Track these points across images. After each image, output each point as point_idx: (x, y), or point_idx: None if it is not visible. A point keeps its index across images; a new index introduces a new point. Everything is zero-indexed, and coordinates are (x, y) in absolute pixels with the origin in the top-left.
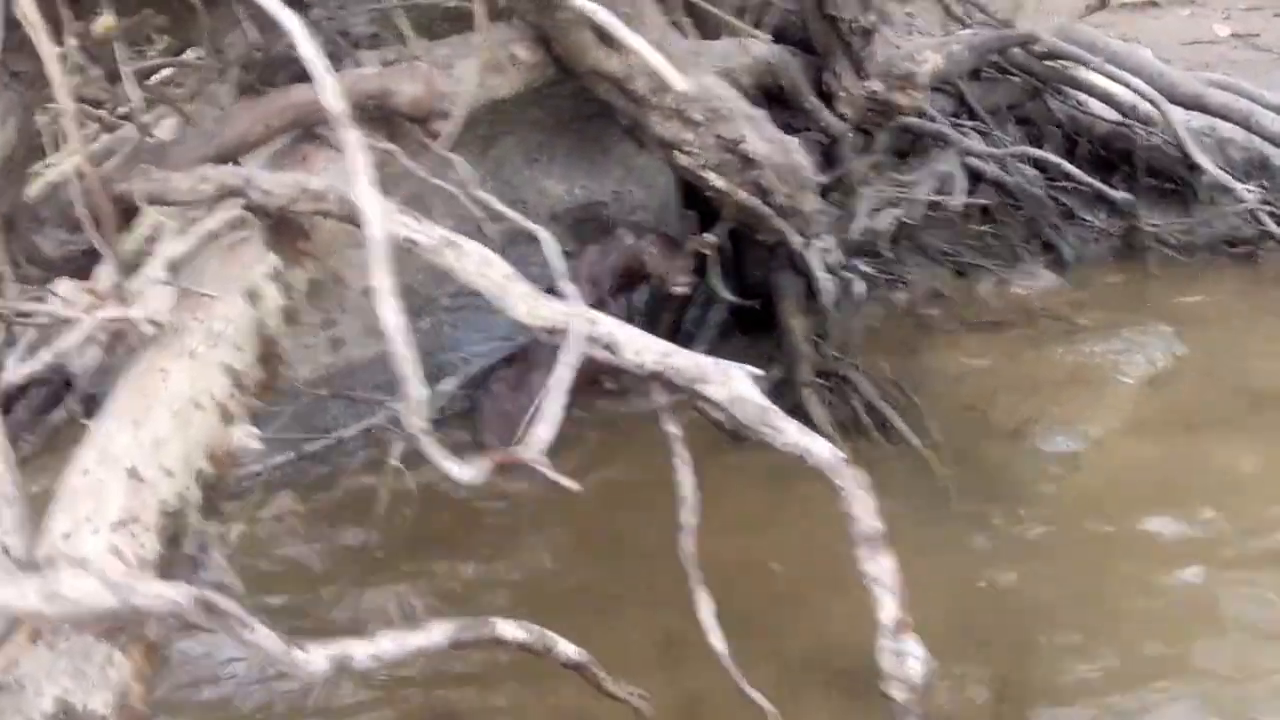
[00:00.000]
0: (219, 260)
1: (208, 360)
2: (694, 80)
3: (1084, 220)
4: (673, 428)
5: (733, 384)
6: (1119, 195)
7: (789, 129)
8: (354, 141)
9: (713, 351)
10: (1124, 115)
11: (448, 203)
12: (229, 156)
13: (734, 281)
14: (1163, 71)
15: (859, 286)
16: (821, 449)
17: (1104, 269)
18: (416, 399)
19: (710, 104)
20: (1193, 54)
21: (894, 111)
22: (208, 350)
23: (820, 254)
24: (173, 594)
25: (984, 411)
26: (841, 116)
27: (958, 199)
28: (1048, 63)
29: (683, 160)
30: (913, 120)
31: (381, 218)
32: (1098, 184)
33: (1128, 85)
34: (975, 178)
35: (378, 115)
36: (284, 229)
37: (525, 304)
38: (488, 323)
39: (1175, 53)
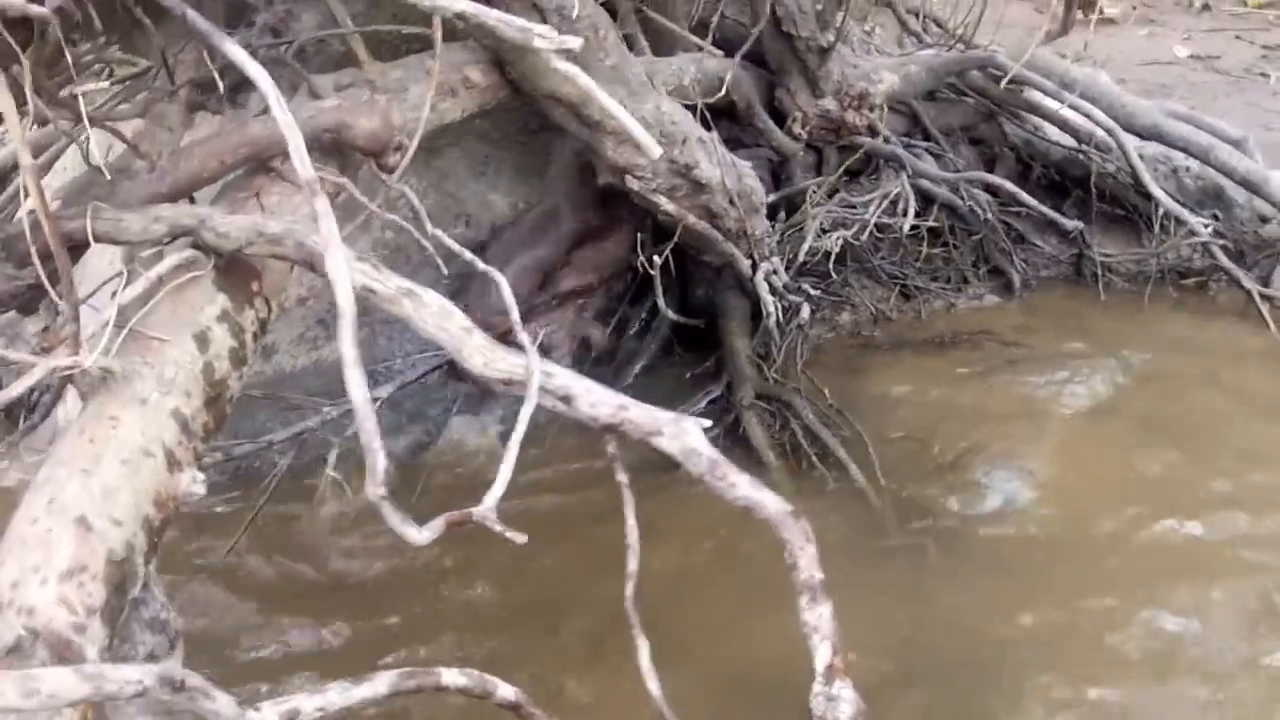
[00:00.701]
0: (170, 301)
1: (158, 407)
2: (651, 103)
3: (1035, 246)
4: (623, 477)
5: (685, 437)
6: (1069, 222)
7: (737, 145)
8: (323, 210)
9: (652, 367)
10: (1080, 141)
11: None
12: (183, 194)
13: (678, 298)
14: (1121, 100)
15: (805, 310)
16: (770, 503)
17: (1053, 295)
18: (379, 469)
19: (664, 129)
20: (1150, 74)
21: (847, 130)
22: (159, 397)
23: (766, 276)
24: (139, 676)
25: (924, 440)
26: (793, 135)
27: (906, 221)
28: (1005, 86)
29: (634, 185)
30: (865, 140)
31: (349, 286)
32: (1048, 210)
33: (1084, 113)
34: (927, 200)
35: (332, 148)
36: (235, 268)
37: (482, 356)
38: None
39: (1132, 73)
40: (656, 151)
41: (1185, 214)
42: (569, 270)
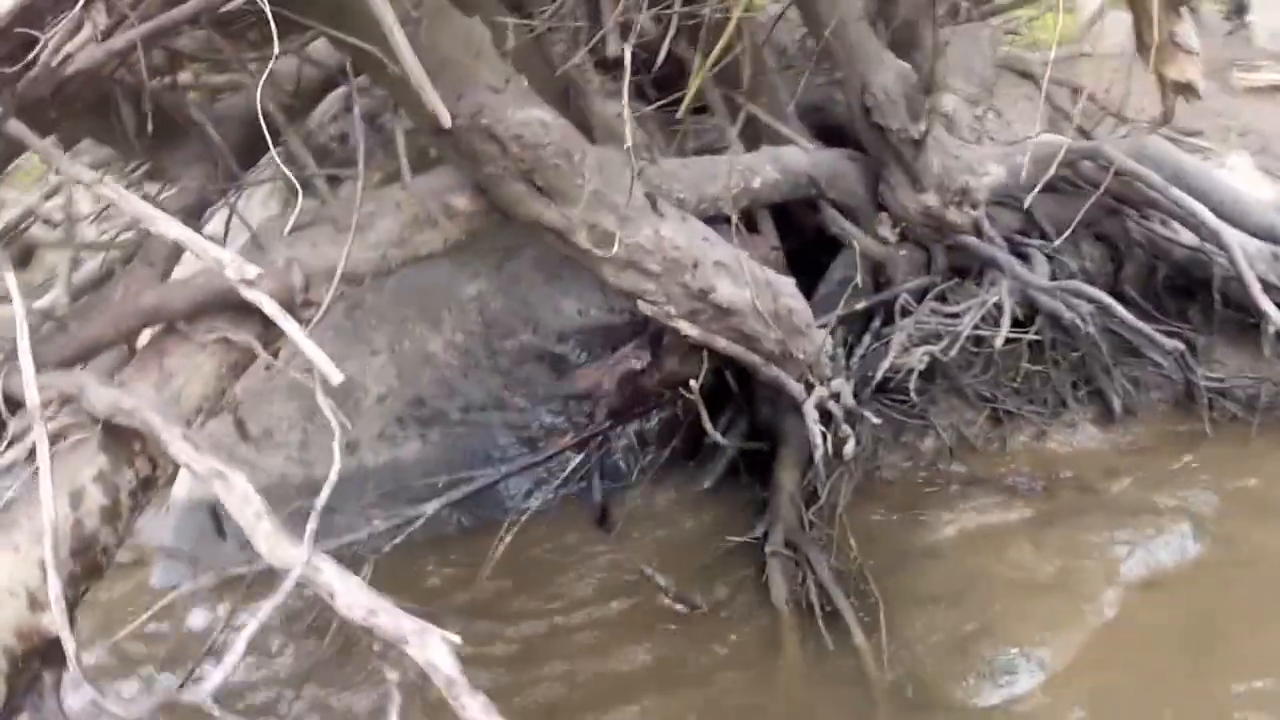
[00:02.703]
0: (59, 459)
1: (28, 556)
2: (649, 229)
3: (1150, 361)
4: (392, 674)
5: (429, 650)
6: (1168, 342)
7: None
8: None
9: (715, 490)
10: (1201, 239)
11: None
12: (89, 356)
13: (746, 419)
14: (1235, 196)
15: (850, 445)
16: None
17: (1156, 424)
18: None
19: (667, 254)
20: None
21: (949, 228)
22: (29, 547)
23: (819, 402)
24: None
25: (949, 607)
26: (880, 237)
27: (1000, 334)
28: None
29: (646, 309)
30: (969, 239)
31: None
32: (1143, 326)
33: (1187, 210)
34: (1033, 308)
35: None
36: (118, 431)
37: (267, 544)
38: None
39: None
40: (616, 247)
41: None
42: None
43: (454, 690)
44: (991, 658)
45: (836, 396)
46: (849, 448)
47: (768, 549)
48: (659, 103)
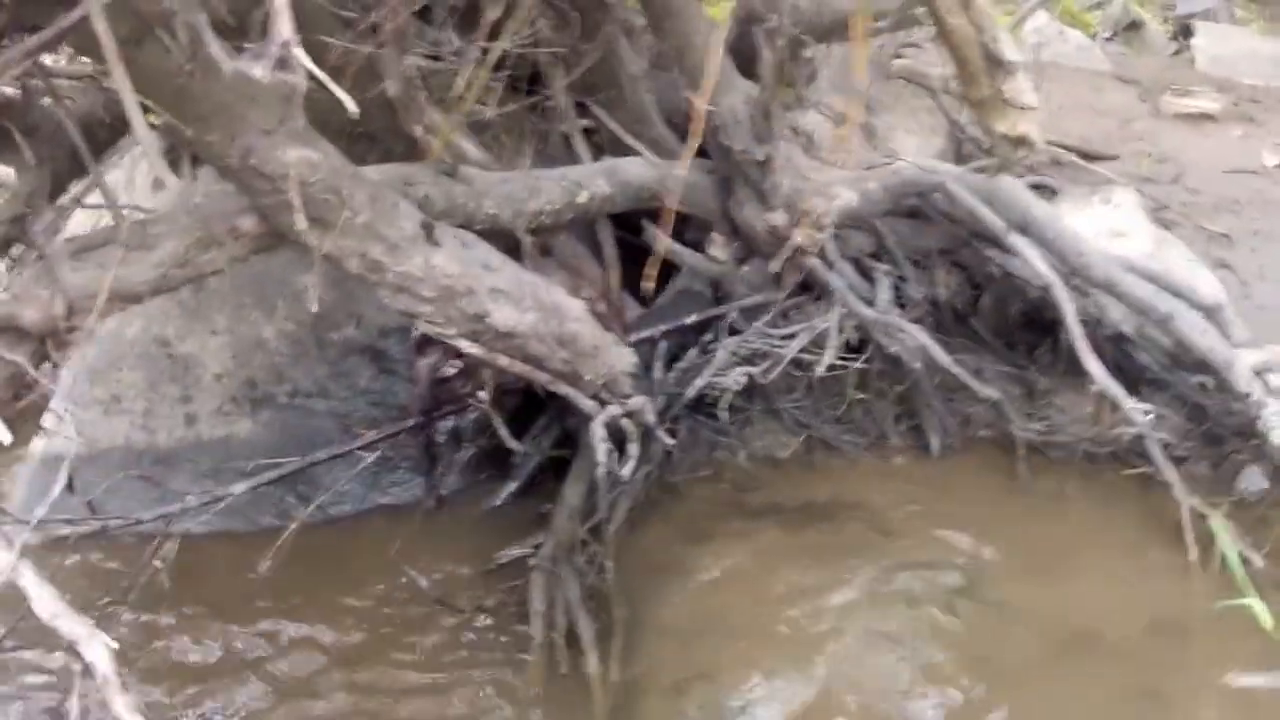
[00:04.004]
0: None
1: None
2: (419, 258)
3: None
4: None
5: (91, 651)
6: (984, 389)
7: None
8: None
9: (524, 495)
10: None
11: None
12: None
13: (558, 426)
14: (1078, 249)
15: (628, 467)
16: None
17: (970, 465)
18: None
19: (439, 282)
20: (1226, 186)
21: (794, 249)
22: None
23: (610, 419)
24: None
25: (684, 642)
26: (730, 249)
27: (823, 360)
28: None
29: (426, 329)
30: (811, 261)
31: None
32: (961, 372)
33: (1026, 258)
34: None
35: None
36: None
37: None
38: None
39: (1209, 183)
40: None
41: (1121, 396)
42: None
43: (106, 689)
44: (707, 705)
45: (631, 414)
46: (627, 469)
47: (531, 562)
48: (502, 108)
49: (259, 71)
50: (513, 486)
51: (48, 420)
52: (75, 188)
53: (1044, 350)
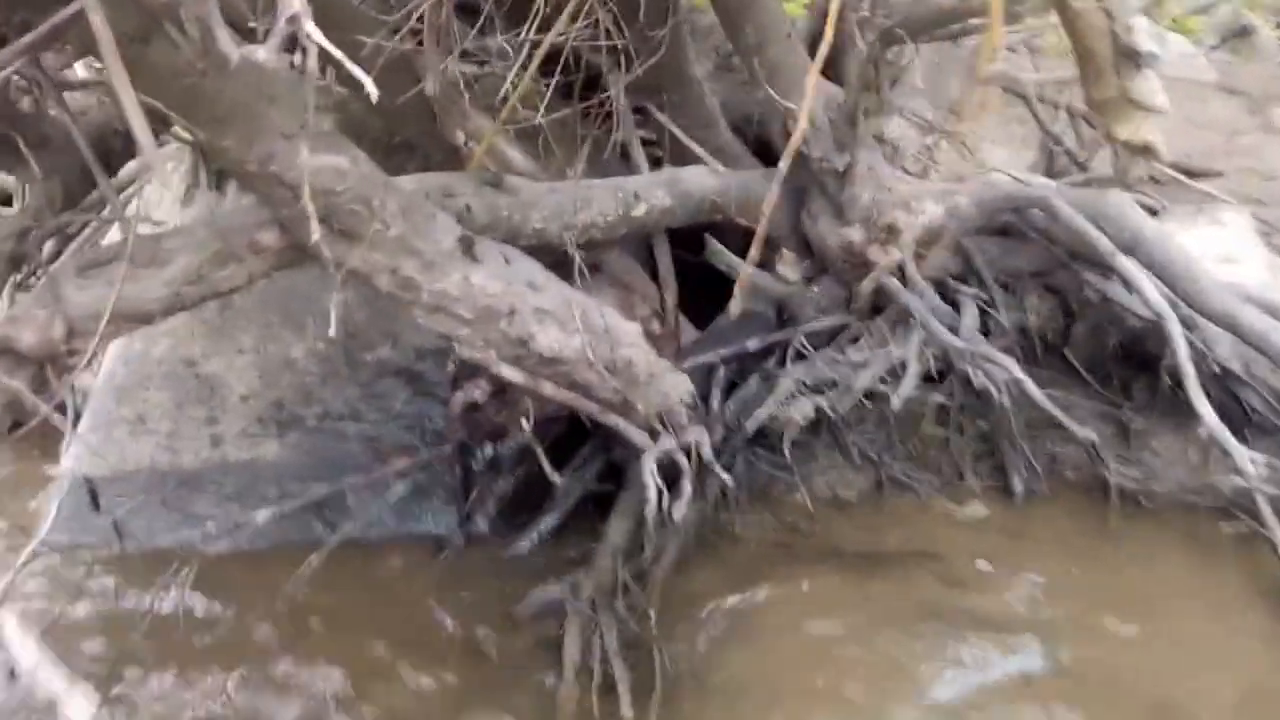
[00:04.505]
0: None
1: None
2: (457, 275)
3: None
4: None
5: (69, 706)
6: (1081, 430)
7: None
8: None
9: (564, 525)
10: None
11: None
12: None
13: (602, 457)
14: (1192, 273)
15: (679, 507)
16: None
17: (1057, 513)
18: None
19: (478, 302)
20: None
21: (871, 268)
22: None
23: (663, 454)
24: None
25: (722, 705)
26: (800, 268)
27: (900, 393)
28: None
29: (465, 352)
30: (890, 282)
31: None
32: (1055, 410)
33: (1134, 284)
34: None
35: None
36: None
37: None
38: None
39: None
40: None
41: (1231, 444)
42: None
43: None
44: None
45: (687, 450)
46: (678, 509)
47: (569, 606)
48: (552, 113)
49: (263, 54)
50: (551, 521)
51: (76, 442)
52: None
53: (1141, 387)
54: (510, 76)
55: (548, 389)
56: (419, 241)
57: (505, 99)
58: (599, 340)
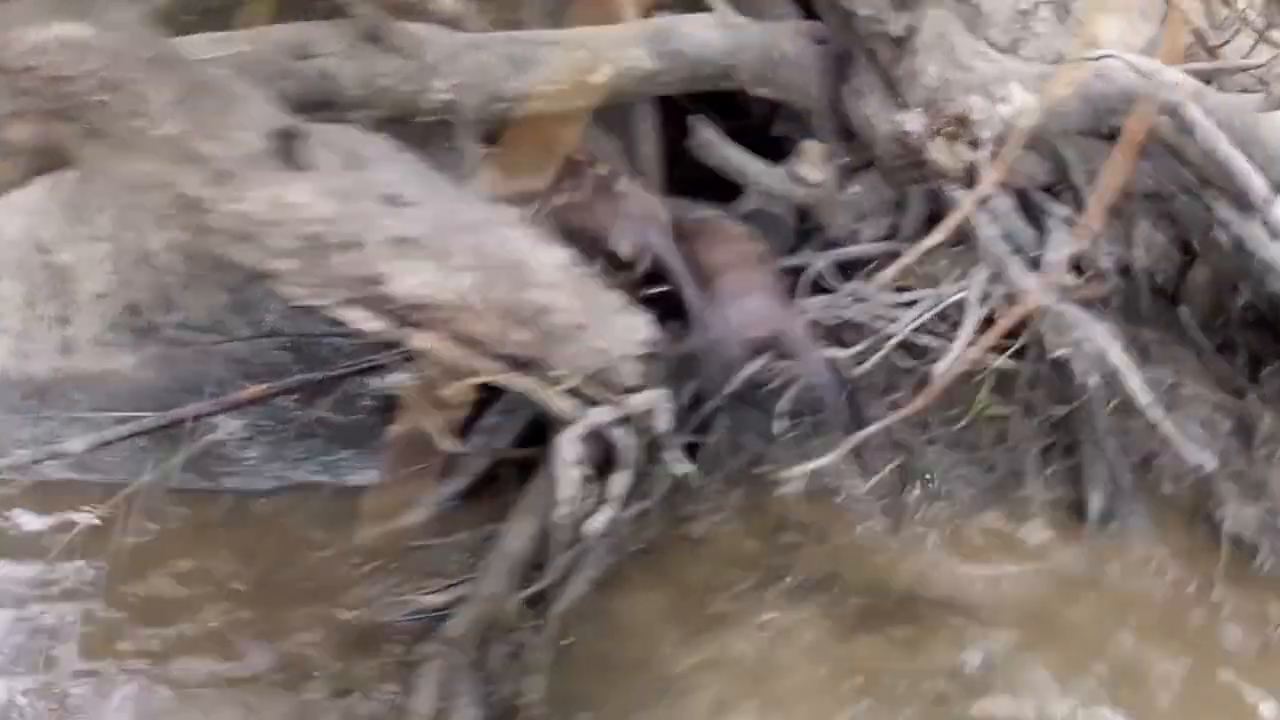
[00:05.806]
0: None
1: None
2: (263, 192)
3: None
4: None
5: None
6: (1195, 455)
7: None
8: None
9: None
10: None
11: None
12: None
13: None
14: None
15: (599, 518)
16: None
17: (1137, 540)
18: None
19: (297, 230)
20: None
21: (930, 170)
22: None
23: (592, 429)
24: None
25: None
26: (797, 176)
27: (951, 351)
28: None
29: (288, 293)
30: (955, 191)
31: None
32: (1165, 424)
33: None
34: None
35: None
36: None
37: None
38: None
39: None
40: None
41: None
42: None
43: None
44: None
45: (627, 419)
46: (598, 519)
47: (428, 640)
48: None
49: None
50: (454, 489)
51: None
52: None
53: (1274, 371)
54: None
55: (417, 342)
56: (205, 143)
57: None
58: (496, 279)
